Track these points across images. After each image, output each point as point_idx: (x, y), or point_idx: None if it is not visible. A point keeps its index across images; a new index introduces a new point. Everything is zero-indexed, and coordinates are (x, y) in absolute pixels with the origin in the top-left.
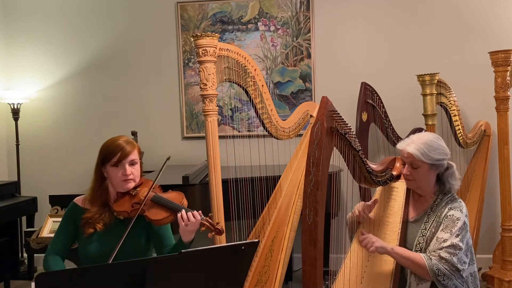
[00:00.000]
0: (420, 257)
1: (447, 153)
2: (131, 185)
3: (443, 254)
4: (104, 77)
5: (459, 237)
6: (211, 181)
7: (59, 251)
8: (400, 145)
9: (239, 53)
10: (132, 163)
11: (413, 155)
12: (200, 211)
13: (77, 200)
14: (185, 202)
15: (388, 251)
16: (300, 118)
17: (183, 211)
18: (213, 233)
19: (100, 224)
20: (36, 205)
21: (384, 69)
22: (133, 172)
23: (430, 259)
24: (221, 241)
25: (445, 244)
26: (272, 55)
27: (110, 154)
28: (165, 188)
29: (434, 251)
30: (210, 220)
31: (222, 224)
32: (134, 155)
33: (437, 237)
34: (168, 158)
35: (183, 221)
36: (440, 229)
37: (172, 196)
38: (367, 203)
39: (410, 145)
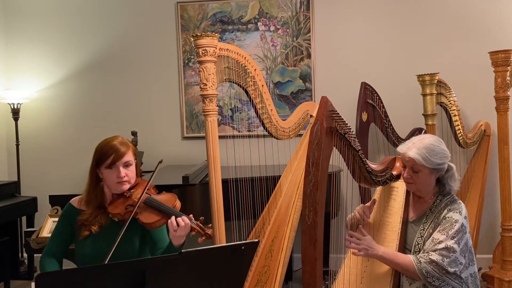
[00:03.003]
0: (409, 260)
1: (448, 156)
2: (126, 187)
3: (434, 256)
4: (104, 77)
5: (455, 239)
6: (211, 181)
7: (55, 253)
8: (401, 148)
9: (239, 53)
10: (127, 165)
11: (414, 159)
12: (191, 215)
13: (73, 201)
14: (178, 204)
15: (378, 257)
16: (300, 118)
17: (173, 218)
18: (203, 238)
19: (96, 226)
20: (36, 205)
21: (384, 69)
22: (128, 174)
23: (420, 262)
24: (221, 241)
25: (439, 246)
26: (272, 55)
27: (104, 156)
28: (166, 188)
29: (425, 253)
30: (200, 225)
31: (211, 230)
32: (129, 157)
33: (433, 237)
34: (160, 161)
35: (172, 228)
36: (437, 230)
37: (165, 198)
38: (366, 204)
39: (412, 149)
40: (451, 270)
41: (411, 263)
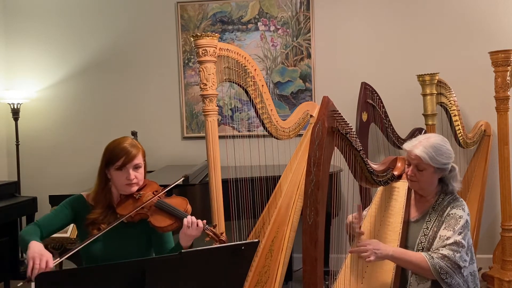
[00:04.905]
0: (422, 257)
1: (453, 157)
2: (134, 188)
3: (445, 251)
4: (104, 77)
5: (462, 235)
6: (211, 181)
7: (43, 226)
8: (407, 146)
9: (239, 53)
10: (136, 167)
11: (420, 157)
12: (205, 221)
13: (84, 193)
14: (189, 208)
15: (388, 257)
16: (300, 118)
17: (189, 216)
18: (217, 243)
19: (105, 225)
20: (36, 205)
21: (384, 69)
22: (137, 176)
23: (432, 258)
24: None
25: (448, 242)
26: (272, 55)
27: (115, 158)
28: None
29: (436, 249)
30: (214, 231)
31: (224, 235)
32: (139, 159)
33: (439, 235)
34: (185, 176)
35: (187, 223)
36: (443, 227)
37: (177, 202)
38: (354, 214)
39: (418, 147)
40: (462, 265)
41: (424, 259)
